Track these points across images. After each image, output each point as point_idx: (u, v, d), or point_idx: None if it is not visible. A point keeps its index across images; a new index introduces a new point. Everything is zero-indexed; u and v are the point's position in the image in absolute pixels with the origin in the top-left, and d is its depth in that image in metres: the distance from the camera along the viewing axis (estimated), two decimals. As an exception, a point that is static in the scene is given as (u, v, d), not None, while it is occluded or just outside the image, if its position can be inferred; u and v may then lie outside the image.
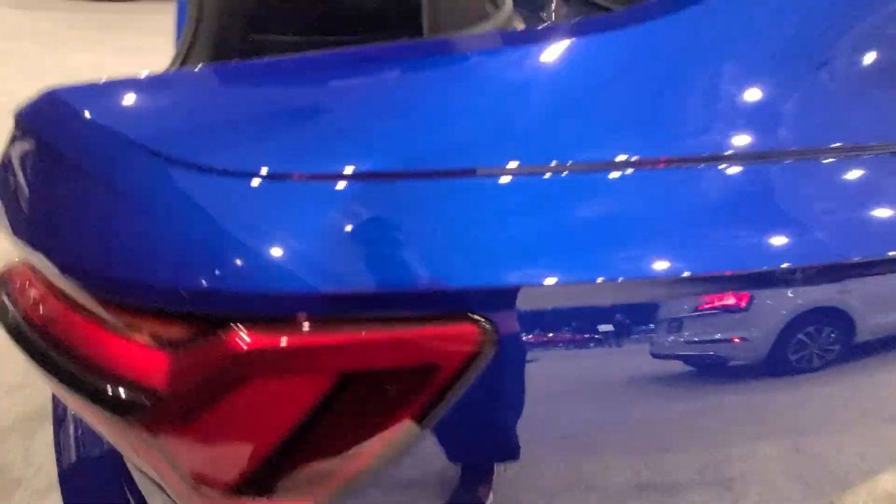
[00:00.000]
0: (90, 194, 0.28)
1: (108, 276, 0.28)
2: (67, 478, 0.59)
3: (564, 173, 0.31)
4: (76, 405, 0.33)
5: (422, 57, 0.34)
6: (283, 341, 0.29)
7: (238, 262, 0.27)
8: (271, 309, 0.29)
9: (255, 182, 0.28)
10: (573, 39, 0.34)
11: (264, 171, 0.28)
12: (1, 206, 0.32)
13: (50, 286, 0.32)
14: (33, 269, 0.33)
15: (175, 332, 0.29)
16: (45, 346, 0.32)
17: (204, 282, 0.27)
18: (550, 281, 0.29)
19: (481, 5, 0.40)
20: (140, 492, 0.53)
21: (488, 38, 0.36)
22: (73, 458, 0.60)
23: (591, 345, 0.31)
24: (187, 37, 1.24)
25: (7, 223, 0.30)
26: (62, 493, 0.58)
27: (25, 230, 0.30)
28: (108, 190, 0.28)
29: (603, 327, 0.31)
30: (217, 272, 0.27)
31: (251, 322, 0.29)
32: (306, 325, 0.29)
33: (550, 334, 0.31)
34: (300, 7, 1.44)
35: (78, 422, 0.63)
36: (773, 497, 0.56)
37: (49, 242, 0.29)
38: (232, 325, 0.28)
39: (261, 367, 0.29)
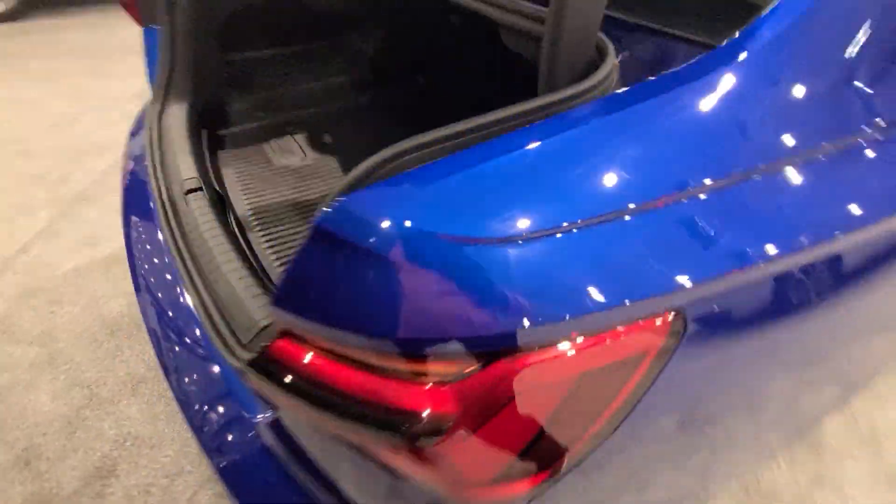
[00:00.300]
0: (395, 277, 0.35)
1: (413, 338, 0.36)
2: (237, 484, 0.66)
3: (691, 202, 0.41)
4: (364, 441, 0.41)
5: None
6: (544, 358, 0.38)
7: (516, 307, 0.36)
8: (532, 339, 0.38)
9: (515, 246, 0.36)
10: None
11: (517, 235, 0.36)
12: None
13: (336, 354, 0.39)
14: (306, 343, 0.40)
15: (453, 368, 0.38)
16: (340, 402, 0.39)
17: (496, 327, 0.36)
18: (719, 274, 0.40)
19: (591, 57, 0.48)
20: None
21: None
22: (239, 464, 0.66)
23: (746, 320, 0.43)
24: (166, 64, 1.22)
25: (301, 312, 0.37)
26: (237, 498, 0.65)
27: (327, 313, 0.36)
28: (407, 271, 0.35)
29: (745, 306, 0.43)
30: (503, 318, 0.36)
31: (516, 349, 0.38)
32: (564, 343, 0.38)
33: (719, 314, 0.42)
34: (267, 21, 1.43)
35: (230, 429, 0.70)
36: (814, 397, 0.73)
37: (358, 320, 0.36)
38: (506, 354, 0.37)
39: (527, 382, 0.39)
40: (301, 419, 0.46)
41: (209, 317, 0.75)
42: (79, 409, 1.37)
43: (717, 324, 0.43)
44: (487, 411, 0.38)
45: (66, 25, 3.76)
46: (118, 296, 1.69)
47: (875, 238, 0.51)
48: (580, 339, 0.39)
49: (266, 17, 1.40)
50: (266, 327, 0.73)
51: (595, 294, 0.38)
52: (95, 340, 1.54)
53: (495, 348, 0.37)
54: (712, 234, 0.41)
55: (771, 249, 0.42)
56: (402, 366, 0.38)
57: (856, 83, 0.48)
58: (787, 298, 0.46)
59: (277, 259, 1.02)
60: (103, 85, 3.00)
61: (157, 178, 1.01)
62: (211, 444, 0.70)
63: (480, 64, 1.79)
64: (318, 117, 1.55)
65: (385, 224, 0.35)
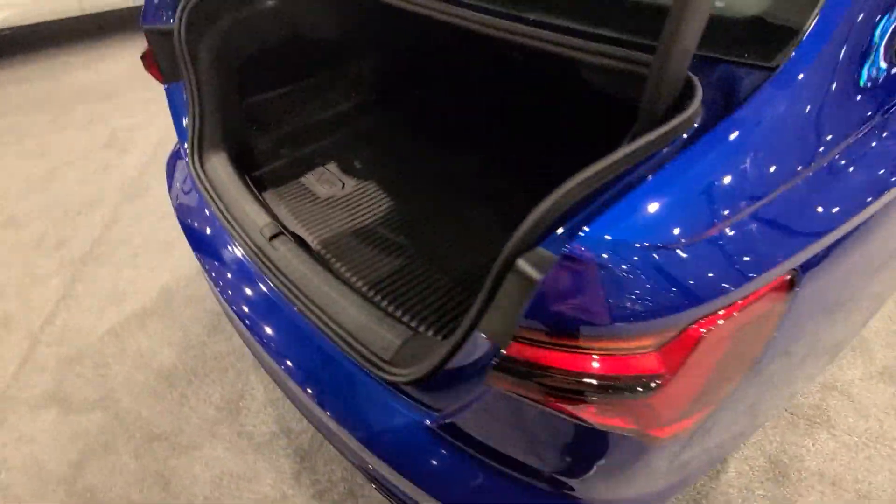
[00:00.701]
0: (622, 279, 0.48)
1: (635, 320, 0.49)
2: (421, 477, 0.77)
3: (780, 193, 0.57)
4: (587, 408, 0.54)
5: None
6: (713, 322, 0.53)
7: (696, 289, 0.50)
8: (704, 310, 0.52)
9: (692, 247, 0.50)
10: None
11: (692, 238, 0.50)
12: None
13: (564, 345, 0.52)
14: (537, 343, 0.53)
15: (654, 340, 0.52)
16: (574, 380, 0.52)
17: (684, 305, 0.50)
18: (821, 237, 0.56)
19: (682, 98, 0.62)
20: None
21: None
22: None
23: (827, 269, 0.60)
24: (195, 117, 1.28)
25: (550, 319, 0.50)
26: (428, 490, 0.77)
27: (569, 316, 0.49)
28: (629, 273, 0.48)
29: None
30: (688, 298, 0.50)
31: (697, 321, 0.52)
32: (724, 309, 0.53)
33: (816, 270, 0.58)
34: (277, 61, 1.50)
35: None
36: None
37: (594, 316, 0.49)
38: (690, 323, 0.52)
39: (705, 342, 0.53)
40: (530, 401, 0.58)
41: (347, 343, 0.85)
42: (165, 460, 1.41)
43: (813, 277, 0.59)
44: (681, 366, 0.53)
45: (5, 81, 3.55)
46: (164, 347, 1.72)
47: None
48: (736, 304, 0.53)
49: (276, 57, 1.47)
50: (404, 343, 0.84)
51: (742, 270, 0.52)
52: (157, 394, 1.58)
53: (683, 321, 0.51)
54: (812, 206, 0.56)
55: (849, 210, 0.59)
56: (624, 344, 0.51)
57: (870, 77, 0.65)
58: (854, 247, 0.63)
59: (365, 285, 1.12)
60: (67, 137, 2.90)
61: (234, 229, 1.09)
62: (382, 449, 0.81)
63: (471, 76, 1.92)
64: (337, 144, 1.63)
65: (617, 243, 0.48)
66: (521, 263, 0.55)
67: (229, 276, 1.08)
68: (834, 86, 0.63)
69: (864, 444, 1.43)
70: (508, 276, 0.57)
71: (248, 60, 1.41)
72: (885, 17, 0.70)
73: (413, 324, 1.00)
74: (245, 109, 1.49)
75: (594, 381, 0.52)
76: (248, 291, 1.04)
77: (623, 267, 0.48)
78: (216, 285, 1.10)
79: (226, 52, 1.33)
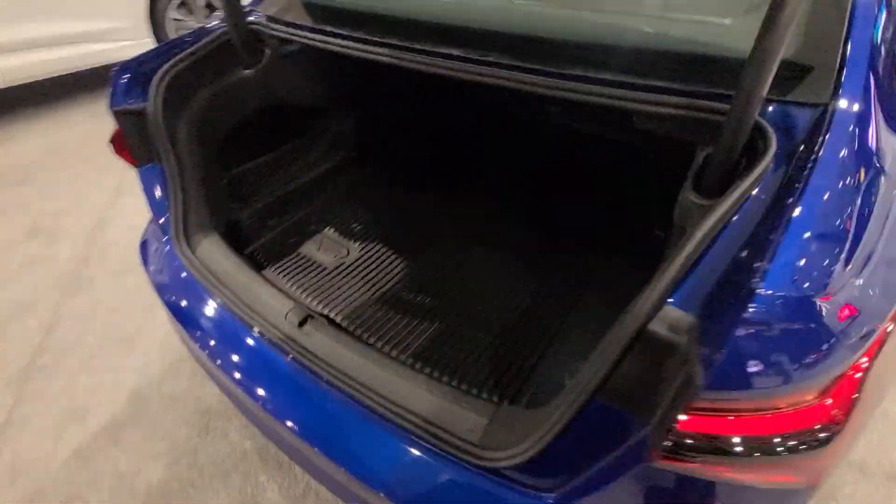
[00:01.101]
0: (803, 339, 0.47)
1: (807, 377, 0.48)
2: None
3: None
4: (765, 472, 0.52)
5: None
6: (873, 358, 0.53)
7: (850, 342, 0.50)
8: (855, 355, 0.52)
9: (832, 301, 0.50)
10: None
11: (833, 291, 0.50)
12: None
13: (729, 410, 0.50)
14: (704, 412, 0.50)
15: (817, 390, 0.51)
16: (751, 444, 0.50)
17: (845, 353, 0.49)
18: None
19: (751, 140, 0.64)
20: None
21: None
22: None
23: None
24: (178, 198, 1.17)
25: (737, 386, 0.47)
26: None
27: (752, 381, 0.47)
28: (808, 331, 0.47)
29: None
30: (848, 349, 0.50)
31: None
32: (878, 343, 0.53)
33: None
34: (257, 131, 1.42)
35: None
36: None
37: (772, 378, 0.47)
38: (850, 368, 0.51)
39: (865, 380, 0.53)
40: (694, 471, 0.54)
41: (425, 430, 0.77)
42: None
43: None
44: (850, 410, 0.52)
45: None
46: (147, 461, 1.48)
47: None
48: (880, 335, 0.54)
49: (253, 126, 1.38)
50: (491, 421, 0.78)
51: (887, 301, 0.53)
52: (150, 521, 1.35)
53: (844, 365, 0.51)
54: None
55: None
56: (794, 398, 0.50)
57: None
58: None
59: (409, 358, 1.03)
60: (-25, 234, 2.53)
61: (253, 319, 0.97)
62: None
63: (449, 124, 1.93)
64: (326, 207, 1.55)
65: (773, 297, 0.47)
66: (658, 329, 0.53)
67: (249, 366, 0.95)
68: (882, 111, 0.68)
69: (872, 424, 1.52)
70: (643, 342, 0.54)
71: (232, 132, 1.32)
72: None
73: (485, 395, 0.93)
74: (229, 183, 1.38)
75: (770, 443, 0.50)
76: (279, 382, 0.92)
77: (788, 321, 0.48)
78: (232, 380, 0.96)
79: (205, 128, 1.23)
